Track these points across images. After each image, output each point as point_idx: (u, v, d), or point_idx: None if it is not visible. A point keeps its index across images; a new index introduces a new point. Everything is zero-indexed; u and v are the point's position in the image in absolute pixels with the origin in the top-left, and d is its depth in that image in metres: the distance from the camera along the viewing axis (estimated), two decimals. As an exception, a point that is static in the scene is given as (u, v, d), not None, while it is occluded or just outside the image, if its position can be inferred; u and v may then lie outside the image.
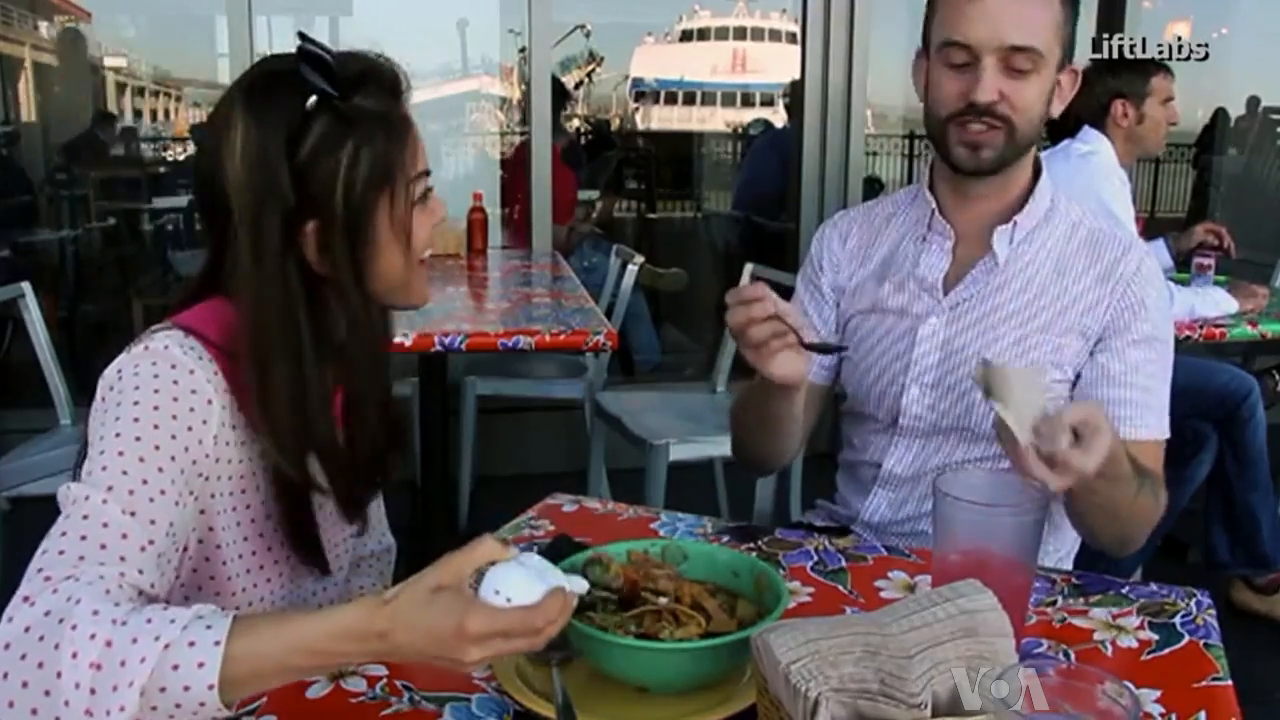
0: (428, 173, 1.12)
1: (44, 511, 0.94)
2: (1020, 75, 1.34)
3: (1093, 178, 2.74)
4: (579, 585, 0.92)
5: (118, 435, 0.95)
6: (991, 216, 1.43)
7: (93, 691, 0.77)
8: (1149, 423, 1.37)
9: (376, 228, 1.07)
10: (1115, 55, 3.04)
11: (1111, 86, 2.86)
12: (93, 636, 0.78)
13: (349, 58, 1.07)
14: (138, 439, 0.95)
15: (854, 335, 1.52)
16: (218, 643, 0.79)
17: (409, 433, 1.31)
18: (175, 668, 0.78)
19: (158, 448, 0.96)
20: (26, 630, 0.79)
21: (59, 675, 0.77)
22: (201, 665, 0.78)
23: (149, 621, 0.80)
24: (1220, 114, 6.81)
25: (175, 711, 0.79)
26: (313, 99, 1.03)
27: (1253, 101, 6.84)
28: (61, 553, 0.86)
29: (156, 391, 0.98)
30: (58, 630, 0.79)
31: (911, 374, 1.45)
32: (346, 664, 0.87)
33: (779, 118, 6.19)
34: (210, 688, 0.78)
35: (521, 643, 0.82)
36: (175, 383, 0.99)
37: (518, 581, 0.83)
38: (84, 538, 0.88)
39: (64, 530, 0.89)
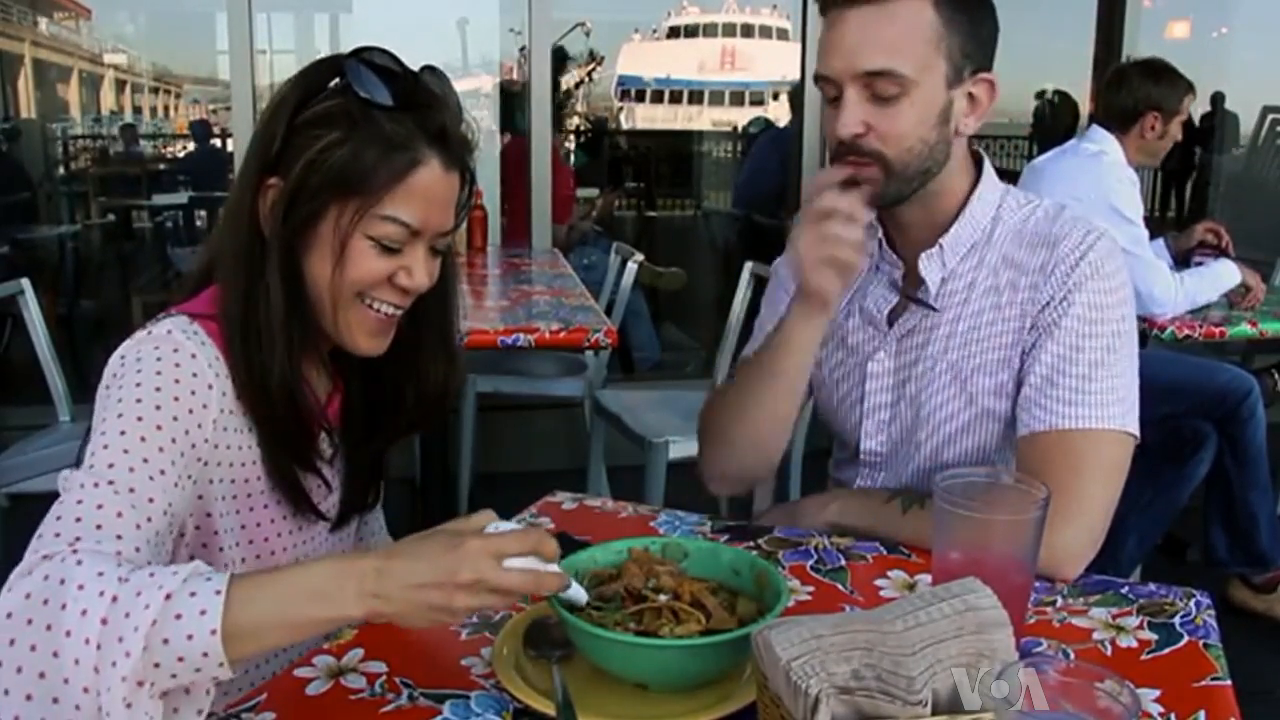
0: (416, 233, 1.07)
1: (43, 508, 0.94)
2: (887, 102, 1.23)
3: (1102, 178, 2.74)
4: (578, 595, 0.93)
5: (120, 416, 0.96)
6: (924, 242, 1.34)
7: (99, 646, 0.77)
8: (1088, 415, 1.25)
9: (318, 222, 1.06)
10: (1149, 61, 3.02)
11: (1152, 96, 2.86)
12: (101, 594, 0.78)
13: (423, 91, 1.08)
14: (139, 419, 0.96)
15: (819, 367, 1.46)
16: (219, 591, 0.80)
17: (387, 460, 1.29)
18: (178, 616, 0.78)
19: (159, 428, 0.96)
20: (28, 597, 0.79)
21: (68, 634, 0.77)
22: (204, 613, 0.78)
23: (151, 575, 0.80)
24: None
25: (178, 667, 0.78)
26: (336, 80, 1.07)
27: (1218, 98, 6.84)
28: (58, 535, 0.87)
29: (158, 374, 0.99)
30: (62, 591, 0.79)
31: (866, 409, 1.41)
32: (344, 617, 0.85)
33: (771, 116, 6.16)
34: (213, 633, 0.78)
35: (518, 578, 0.84)
36: (177, 365, 1.00)
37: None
38: (79, 520, 0.88)
39: (59, 514, 0.89)
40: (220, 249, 1.10)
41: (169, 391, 0.99)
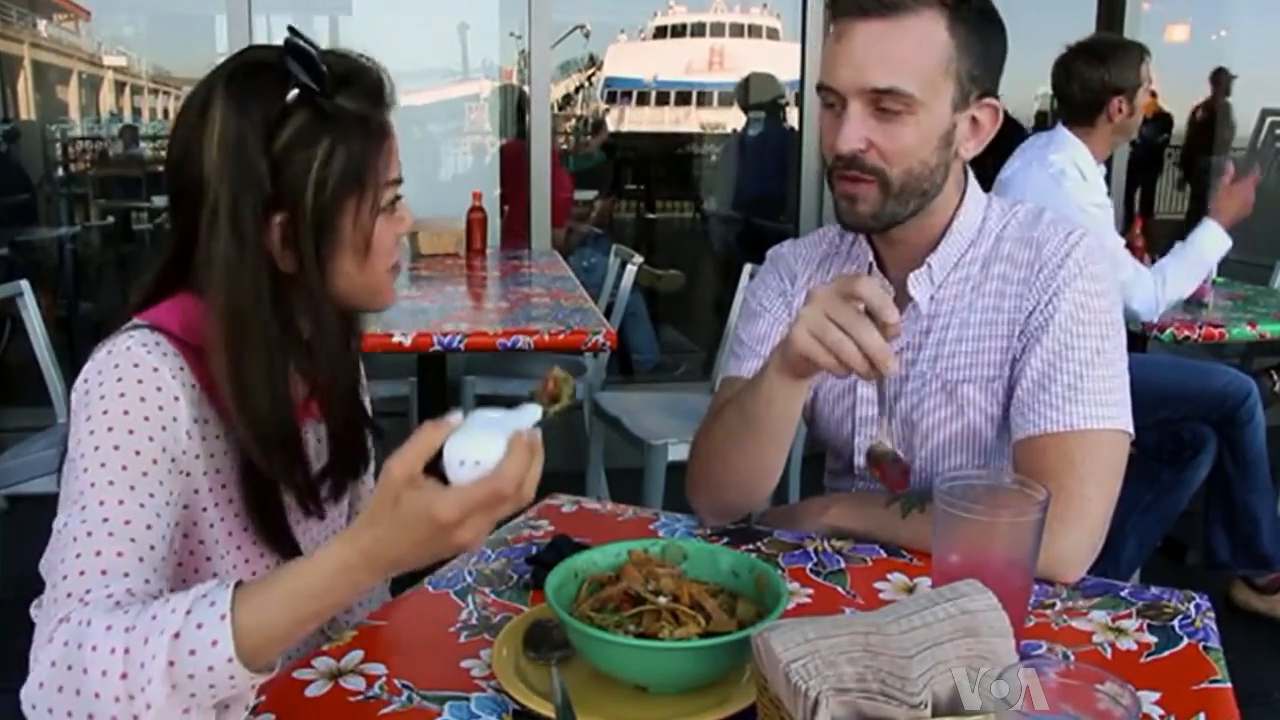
0: (399, 181, 1.12)
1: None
2: (892, 118, 1.22)
3: (1067, 209, 2.55)
4: (531, 416, 0.90)
5: (96, 449, 0.95)
6: (913, 261, 1.34)
7: (130, 698, 0.80)
8: (1081, 416, 1.24)
9: (341, 228, 1.07)
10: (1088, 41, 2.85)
11: (1108, 81, 2.72)
12: (112, 650, 0.81)
13: (336, 57, 1.07)
14: (116, 448, 0.95)
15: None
16: (223, 617, 0.81)
17: (374, 442, 1.28)
18: (192, 653, 0.80)
19: (137, 453, 0.96)
20: (53, 665, 0.82)
21: (97, 696, 0.80)
22: (215, 643, 0.80)
23: (154, 618, 0.82)
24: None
25: (212, 692, 0.81)
26: (294, 92, 1.03)
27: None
28: (69, 594, 0.88)
29: (123, 395, 0.98)
30: (80, 656, 0.81)
31: (859, 426, 1.41)
32: (363, 594, 0.88)
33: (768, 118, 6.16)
34: (230, 660, 0.80)
35: (506, 506, 0.83)
36: (140, 382, 0.99)
37: (476, 443, 0.82)
38: (83, 573, 0.89)
39: (64, 572, 0.90)
40: (229, 301, 1.03)
41: (138, 412, 0.98)
